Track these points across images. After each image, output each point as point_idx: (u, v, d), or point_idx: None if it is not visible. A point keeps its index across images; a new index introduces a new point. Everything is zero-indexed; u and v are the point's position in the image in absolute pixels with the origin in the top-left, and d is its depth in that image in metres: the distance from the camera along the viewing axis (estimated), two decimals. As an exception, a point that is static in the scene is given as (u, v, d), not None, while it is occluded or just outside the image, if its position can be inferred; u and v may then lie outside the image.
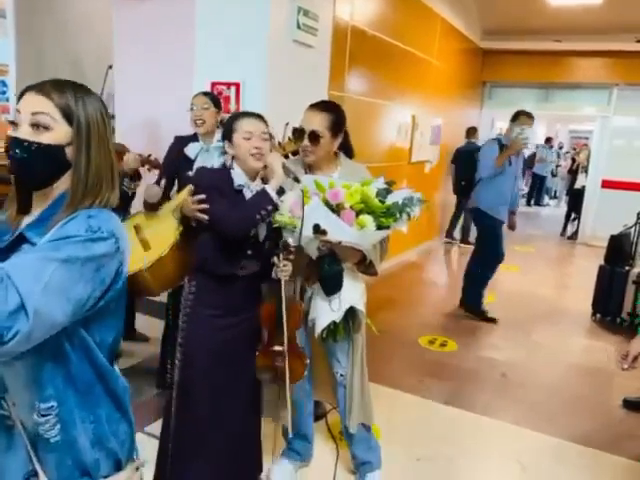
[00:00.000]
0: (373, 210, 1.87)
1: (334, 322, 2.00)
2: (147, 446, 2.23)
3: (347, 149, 2.20)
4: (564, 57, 8.18)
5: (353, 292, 2.03)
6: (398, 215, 1.87)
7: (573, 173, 8.89)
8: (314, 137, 2.01)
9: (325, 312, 2.00)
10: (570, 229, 9.04)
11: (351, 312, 2.04)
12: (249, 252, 1.92)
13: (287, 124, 2.96)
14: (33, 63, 4.80)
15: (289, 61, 3.68)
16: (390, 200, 1.89)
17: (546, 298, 5.45)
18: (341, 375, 2.20)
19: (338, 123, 2.06)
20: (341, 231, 1.83)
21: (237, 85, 3.54)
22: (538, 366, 3.82)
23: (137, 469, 1.18)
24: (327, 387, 2.29)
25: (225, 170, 1.94)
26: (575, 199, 8.83)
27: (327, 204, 1.85)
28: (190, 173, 2.49)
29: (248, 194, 1.90)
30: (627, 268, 4.62)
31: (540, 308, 5.13)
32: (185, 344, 1.98)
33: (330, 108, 2.07)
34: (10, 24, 4.70)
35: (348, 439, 2.31)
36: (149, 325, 3.82)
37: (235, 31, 3.48)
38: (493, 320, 4.60)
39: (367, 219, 1.84)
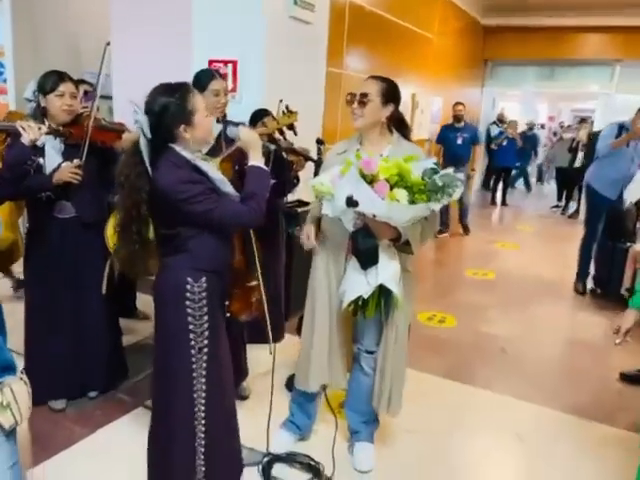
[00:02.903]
0: (410, 186, 1.84)
1: (363, 298, 2.00)
2: (147, 419, 2.30)
3: (403, 130, 2.20)
4: (567, 33, 8.09)
5: (387, 270, 2.00)
6: (439, 195, 1.84)
7: (573, 151, 8.81)
8: (362, 99, 2.04)
9: (356, 284, 2.01)
10: (571, 207, 9.03)
11: (385, 292, 2.02)
12: None
13: (281, 101, 2.95)
14: (30, 45, 4.77)
15: (287, 38, 3.67)
16: (435, 179, 1.85)
17: (545, 275, 5.47)
18: (366, 352, 2.23)
19: (390, 92, 2.09)
20: (372, 203, 1.81)
21: (234, 63, 3.53)
22: (537, 341, 3.85)
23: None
24: (348, 359, 2.33)
25: (183, 159, 1.75)
26: (572, 177, 8.81)
27: (362, 175, 1.83)
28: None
29: (202, 165, 1.77)
30: (628, 244, 4.62)
31: (539, 285, 5.15)
32: (212, 342, 1.84)
33: (384, 79, 2.12)
34: (6, 5, 4.66)
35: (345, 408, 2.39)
36: (150, 304, 3.86)
37: (232, 8, 3.46)
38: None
39: (400, 193, 1.82)
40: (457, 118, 6.53)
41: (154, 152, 1.74)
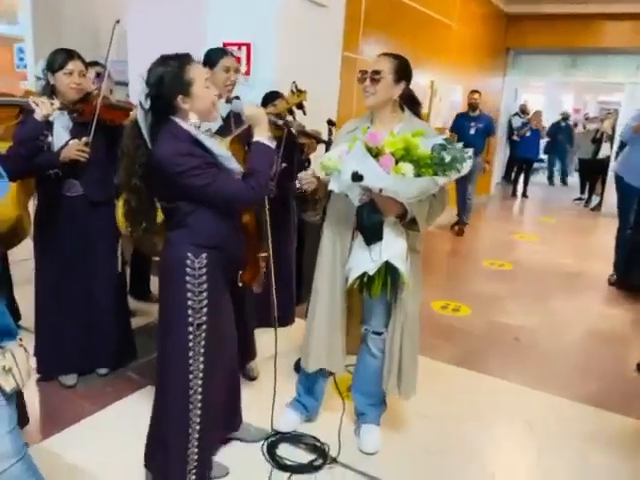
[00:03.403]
0: (417, 159, 1.81)
1: (368, 275, 1.99)
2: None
3: (414, 107, 2.18)
4: (592, 21, 7.87)
5: (393, 247, 1.98)
6: (446, 169, 1.81)
7: (597, 142, 8.61)
8: (375, 77, 2.02)
9: (361, 261, 2.00)
10: (595, 199, 8.85)
11: (391, 271, 2.00)
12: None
13: (294, 82, 2.93)
14: (50, 30, 4.82)
15: (301, 21, 3.63)
16: (444, 154, 1.82)
17: (564, 267, 5.36)
18: (373, 333, 2.21)
19: (402, 70, 2.06)
20: (377, 176, 1.78)
21: (248, 46, 3.51)
22: (552, 331, 3.78)
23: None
24: (358, 341, 2.31)
25: (185, 133, 1.72)
26: (596, 169, 8.62)
27: (368, 149, 1.81)
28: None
29: (205, 140, 1.76)
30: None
31: (557, 276, 5.05)
32: (210, 321, 1.84)
33: (397, 56, 2.10)
34: (27, -8, 4.72)
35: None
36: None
37: (246, -10, 3.44)
38: None
39: (406, 166, 1.79)
40: (472, 106, 6.26)
41: (156, 125, 1.74)
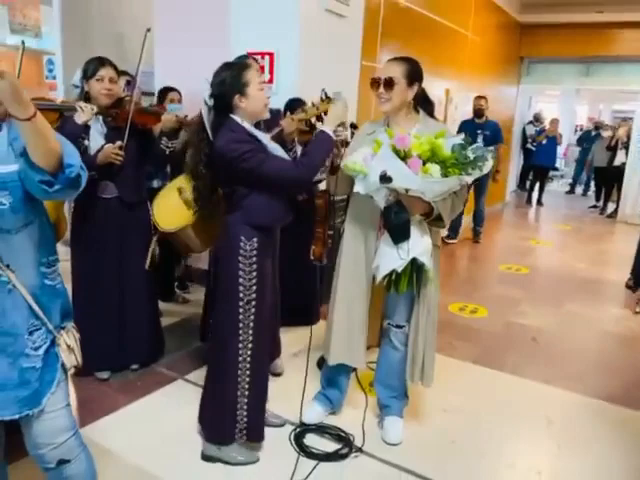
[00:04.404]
0: (442, 161, 1.90)
1: (396, 272, 2.06)
2: (184, 390, 2.65)
3: (428, 107, 2.25)
4: (606, 29, 7.94)
5: (419, 245, 2.06)
6: (470, 169, 1.90)
7: (612, 150, 8.63)
8: (388, 83, 2.09)
9: (390, 259, 2.06)
10: (610, 207, 8.84)
11: (417, 267, 2.08)
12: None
13: (323, 89, 3.04)
14: (79, 44, 5.00)
15: (322, 31, 3.76)
16: (464, 154, 1.91)
17: (580, 272, 5.40)
18: (396, 327, 2.29)
19: (414, 72, 2.13)
20: (406, 178, 1.87)
21: (271, 55, 3.64)
22: (569, 332, 3.83)
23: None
24: (376, 334, 2.43)
25: (241, 127, 1.99)
26: (611, 176, 8.61)
27: (395, 151, 1.89)
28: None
29: (258, 133, 2.04)
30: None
31: (574, 281, 5.09)
32: (258, 298, 2.07)
33: (407, 59, 2.16)
34: (56, 7, 4.92)
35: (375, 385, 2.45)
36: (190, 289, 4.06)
37: (269, 1, 3.58)
38: None
39: (433, 167, 1.87)
40: (477, 113, 5.94)
41: (217, 121, 2.00)
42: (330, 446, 2.33)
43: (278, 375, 2.88)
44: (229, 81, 1.96)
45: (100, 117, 2.59)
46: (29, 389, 1.39)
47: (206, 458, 2.20)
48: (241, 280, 2.03)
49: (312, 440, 2.36)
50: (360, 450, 2.30)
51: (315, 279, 3.45)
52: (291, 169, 2.00)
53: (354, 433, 2.38)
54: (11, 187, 1.27)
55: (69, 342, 1.44)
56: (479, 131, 5.88)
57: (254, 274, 2.03)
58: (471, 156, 1.87)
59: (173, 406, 2.59)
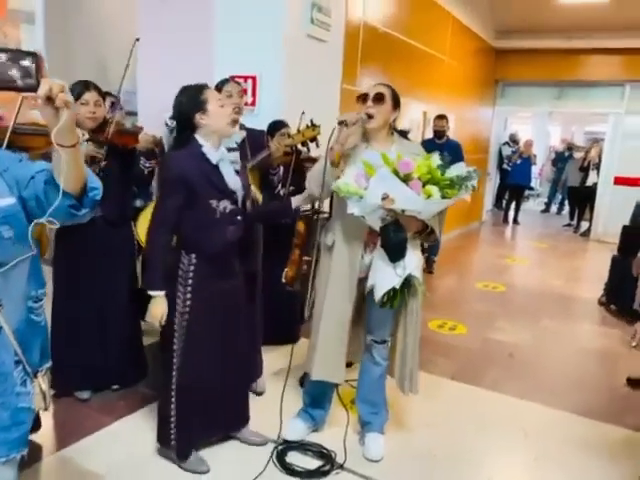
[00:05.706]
0: (437, 182, 2.00)
1: (394, 288, 2.11)
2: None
3: (401, 133, 2.37)
4: (576, 55, 8.26)
5: (412, 260, 2.14)
6: (461, 188, 2.00)
7: (584, 170, 8.92)
8: (378, 97, 2.17)
9: (387, 277, 2.11)
10: (584, 225, 9.09)
11: (408, 282, 2.15)
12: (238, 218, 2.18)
13: (303, 113, 3.13)
14: (62, 64, 5.03)
15: (304, 55, 3.86)
16: (450, 173, 2.03)
17: (555, 289, 5.54)
18: (380, 342, 2.35)
19: (397, 98, 2.25)
20: (408, 200, 1.96)
21: (254, 78, 3.72)
22: (546, 348, 3.93)
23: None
24: (356, 350, 2.46)
25: (197, 149, 2.06)
26: (584, 195, 8.89)
27: (396, 174, 1.97)
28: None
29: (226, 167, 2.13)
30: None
31: (549, 297, 5.22)
32: (192, 312, 2.15)
33: (390, 86, 2.28)
34: (39, 26, 4.95)
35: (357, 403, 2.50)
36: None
37: (252, 26, 3.67)
38: None
39: (433, 189, 1.98)
40: (437, 134, 5.53)
41: (180, 142, 2.09)
42: (312, 463, 2.35)
43: (260, 394, 2.90)
44: (187, 100, 2.06)
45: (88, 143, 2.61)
46: (20, 431, 1.36)
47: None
48: (179, 293, 2.13)
49: (294, 457, 2.38)
50: (342, 467, 2.33)
51: (296, 298, 3.52)
52: (153, 226, 2.12)
53: (336, 450, 2.41)
54: (12, 220, 1.25)
55: (44, 387, 1.41)
56: (439, 152, 5.90)
57: (189, 289, 2.12)
58: (463, 175, 1.96)
59: (155, 426, 2.58)
